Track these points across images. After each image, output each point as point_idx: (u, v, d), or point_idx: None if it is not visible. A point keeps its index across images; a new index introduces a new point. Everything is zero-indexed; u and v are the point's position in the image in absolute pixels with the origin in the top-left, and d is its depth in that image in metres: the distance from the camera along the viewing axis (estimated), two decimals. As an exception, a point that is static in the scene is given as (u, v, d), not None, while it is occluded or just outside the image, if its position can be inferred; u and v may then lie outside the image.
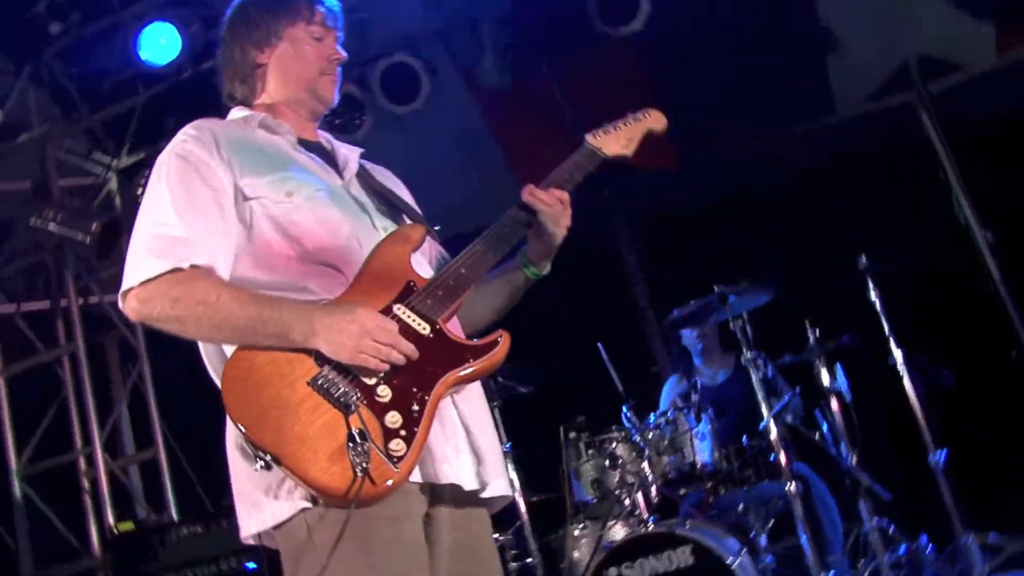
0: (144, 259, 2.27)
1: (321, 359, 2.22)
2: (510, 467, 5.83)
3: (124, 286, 2.29)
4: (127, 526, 5.44)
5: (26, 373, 6.46)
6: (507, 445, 5.95)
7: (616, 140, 2.78)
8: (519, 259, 2.66)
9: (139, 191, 6.51)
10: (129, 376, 6.74)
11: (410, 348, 2.24)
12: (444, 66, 6.43)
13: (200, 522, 5.31)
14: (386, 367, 2.22)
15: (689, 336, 6.34)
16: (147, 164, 6.68)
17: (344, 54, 2.66)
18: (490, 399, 5.85)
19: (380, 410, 2.19)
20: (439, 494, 2.35)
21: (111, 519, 5.97)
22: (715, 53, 6.74)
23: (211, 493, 6.14)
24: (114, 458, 6.49)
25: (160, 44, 6.02)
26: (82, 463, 6.27)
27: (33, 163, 6.50)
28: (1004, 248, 6.94)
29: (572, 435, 5.60)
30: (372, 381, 2.22)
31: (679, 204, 7.67)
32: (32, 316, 6.54)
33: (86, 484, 6.20)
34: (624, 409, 5.58)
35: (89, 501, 6.16)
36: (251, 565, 5.29)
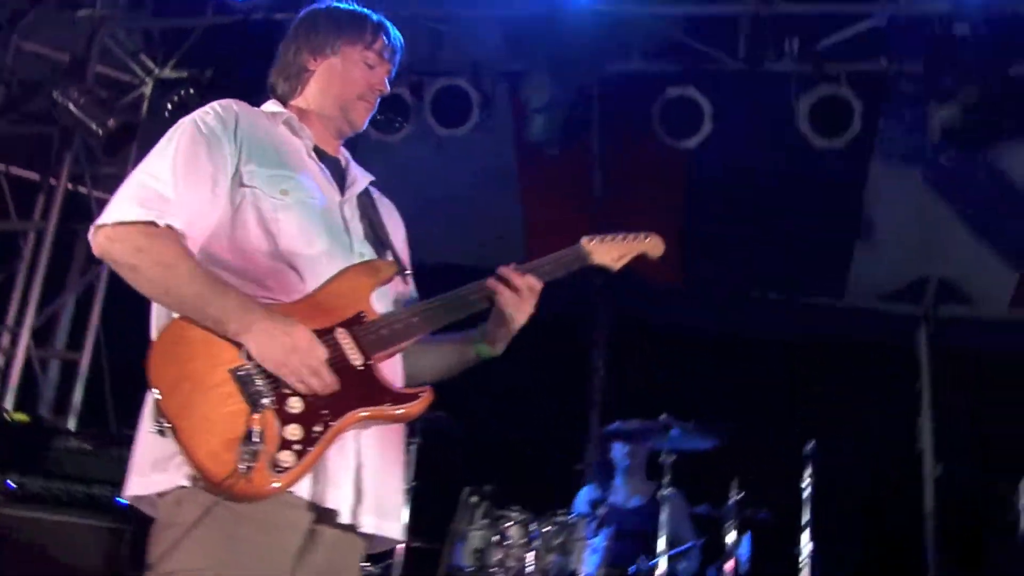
0: (127, 203, 2.33)
1: (250, 354, 2.26)
2: (403, 503, 5.76)
3: (99, 220, 2.33)
4: (21, 417, 5.30)
5: (-11, 232, 6.36)
6: (410, 484, 5.89)
7: (608, 251, 2.80)
8: (474, 334, 2.69)
9: (167, 108, 6.50)
10: (86, 275, 6.65)
11: (330, 381, 2.29)
12: (499, 105, 6.45)
13: (94, 441, 5.19)
14: (302, 389, 2.27)
15: (619, 450, 6.31)
16: (185, 84, 6.67)
17: (388, 88, 2.74)
18: (411, 434, 5.83)
19: (285, 419, 2.23)
20: (327, 515, 2.36)
21: (9, 404, 5.85)
22: (756, 196, 6.80)
23: (119, 418, 6.03)
24: (38, 346, 6.37)
25: (246, -20, 6.04)
26: (5, 340, 6.17)
27: (81, 40, 6.48)
28: (946, 484, 6.98)
29: (474, 499, 5.55)
30: (287, 390, 2.26)
31: (663, 322, 7.68)
32: (18, 181, 6.48)
33: (0, 361, 6.10)
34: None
35: (-5, 379, 6.06)
36: (122, 501, 5.18)
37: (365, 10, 2.75)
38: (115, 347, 6.48)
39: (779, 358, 7.35)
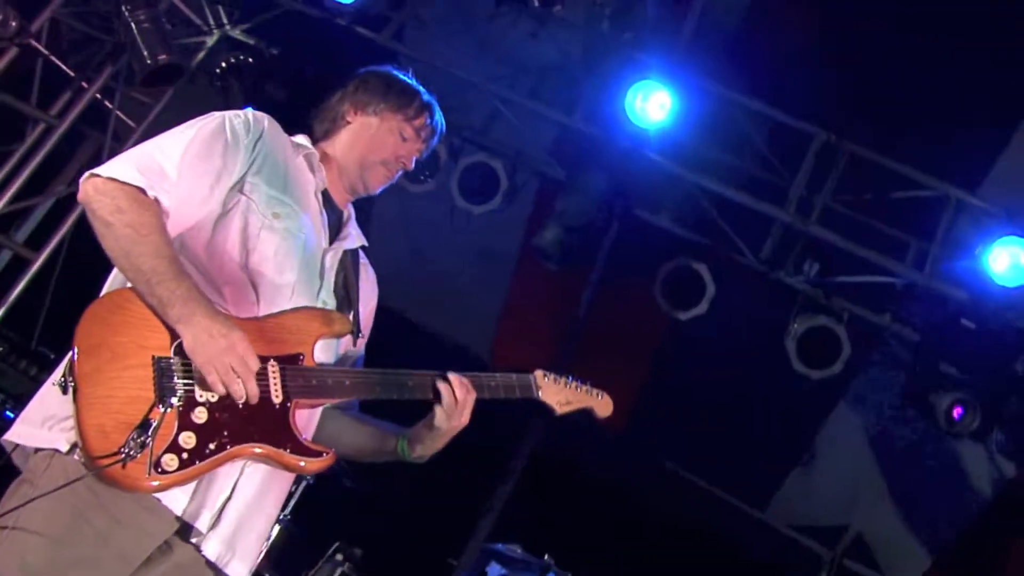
0: (128, 164, 2.36)
1: (179, 348, 2.24)
2: (271, 533, 5.66)
3: (96, 169, 2.35)
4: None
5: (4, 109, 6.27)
6: (287, 517, 5.79)
7: (557, 393, 2.80)
8: (401, 431, 2.66)
9: (219, 66, 6.51)
10: (71, 186, 6.56)
11: (253, 392, 2.27)
12: (522, 199, 6.49)
13: (11, 344, 5.10)
14: (222, 391, 2.24)
15: (495, 572, 6.21)
16: (246, 51, 6.69)
17: (411, 166, 2.80)
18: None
19: (185, 424, 2.20)
20: (187, 531, 2.33)
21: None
22: (722, 387, 6.84)
23: (43, 338, 5.89)
24: (2, 231, 6.23)
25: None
26: (-31, 212, 6.06)
27: (168, -30, 6.50)
28: None
29: (339, 557, 5.47)
30: (201, 399, 2.23)
31: (589, 465, 7.64)
32: (54, 70, 6.42)
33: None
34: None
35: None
36: (9, 415, 5.07)
37: (420, 87, 2.83)
38: (73, 269, 6.39)
39: (681, 543, 7.32)
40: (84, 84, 6.40)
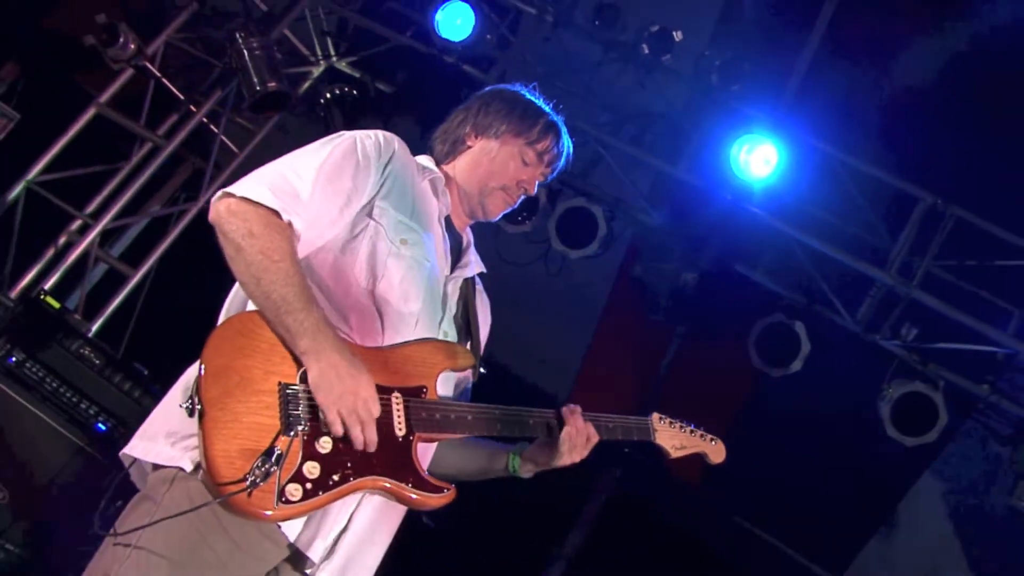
0: (262, 185, 2.33)
1: (307, 379, 2.23)
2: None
3: (230, 188, 2.32)
4: (53, 303, 5.28)
5: (111, 126, 6.40)
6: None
7: (673, 437, 2.81)
8: (514, 448, 2.66)
9: (323, 96, 6.59)
10: (173, 205, 6.69)
11: (372, 439, 2.24)
12: (618, 245, 6.47)
13: (103, 358, 5.14)
14: (340, 432, 2.21)
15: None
16: (353, 83, 6.78)
17: (534, 191, 2.74)
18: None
19: (309, 454, 2.19)
20: (297, 559, 2.32)
21: (48, 284, 5.83)
22: (806, 447, 6.72)
23: (129, 351, 5.97)
24: (101, 245, 6.36)
25: (456, 23, 6.16)
26: (75, 224, 6.17)
27: (283, 2, 6.62)
28: None
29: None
30: (324, 429, 2.21)
31: (662, 514, 7.54)
32: (163, 92, 6.56)
33: (62, 240, 6.10)
34: None
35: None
36: (102, 427, 5.11)
37: (545, 107, 2.77)
38: (161, 287, 6.48)
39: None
40: (192, 108, 6.52)
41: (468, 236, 2.80)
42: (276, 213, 2.29)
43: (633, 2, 5.97)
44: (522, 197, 2.74)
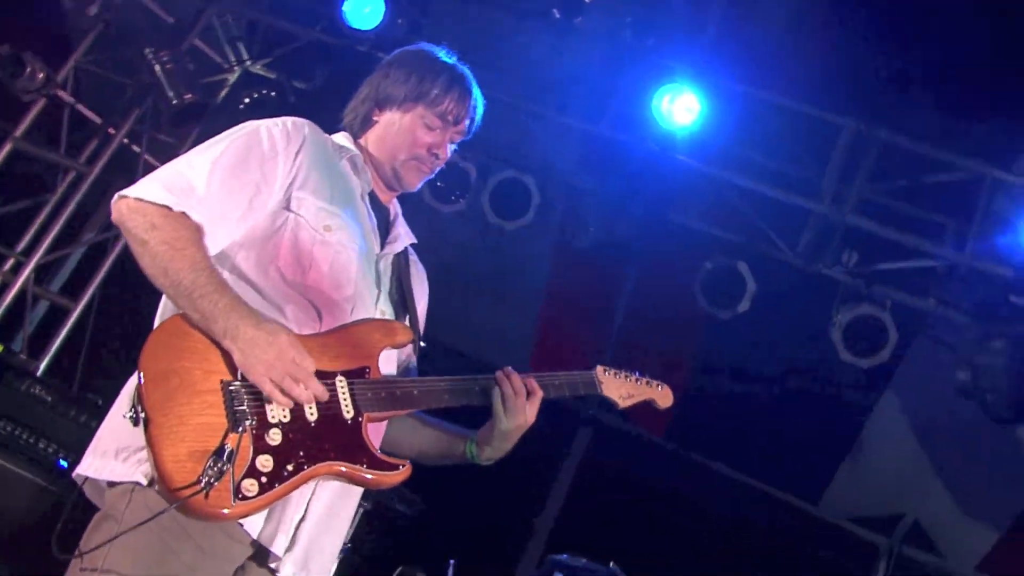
0: (155, 183, 2.33)
1: (235, 362, 2.21)
2: (333, 564, 5.66)
3: (124, 191, 2.33)
4: (-3, 347, 5.23)
5: (30, 159, 6.30)
6: (347, 545, 5.78)
7: (619, 387, 2.81)
8: (470, 433, 2.65)
9: (243, 102, 6.53)
10: (107, 231, 6.60)
11: (319, 390, 2.24)
12: (554, 213, 6.49)
13: (55, 395, 5.10)
14: (288, 402, 2.21)
15: (551, 591, 6.19)
16: (269, 86, 6.72)
17: (447, 154, 2.68)
18: (364, 497, 5.74)
19: (261, 448, 2.18)
20: (261, 553, 2.32)
21: (-12, 329, 5.76)
22: (765, 384, 6.82)
23: (85, 381, 5.92)
24: (37, 283, 6.29)
25: (364, 11, 6.11)
26: (7, 264, 6.09)
27: (191, 10, 6.53)
28: None
29: (403, 579, 5.46)
30: (272, 420, 2.20)
31: (635, 470, 7.63)
32: (80, 119, 6.46)
33: (-2, 281, 6.03)
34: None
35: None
36: (63, 464, 5.07)
37: (446, 63, 2.71)
38: (107, 313, 6.41)
39: (735, 542, 7.28)
40: (111, 130, 6.43)
41: (395, 208, 2.76)
42: (169, 208, 2.28)
43: (539, -32, 5.96)
44: (437, 163, 2.68)
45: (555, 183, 6.33)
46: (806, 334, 6.25)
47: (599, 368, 2.80)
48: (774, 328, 6.38)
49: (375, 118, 2.68)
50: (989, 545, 7.06)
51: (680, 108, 5.84)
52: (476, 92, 2.72)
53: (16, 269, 6.01)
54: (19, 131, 6.08)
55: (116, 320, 6.47)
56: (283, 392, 2.20)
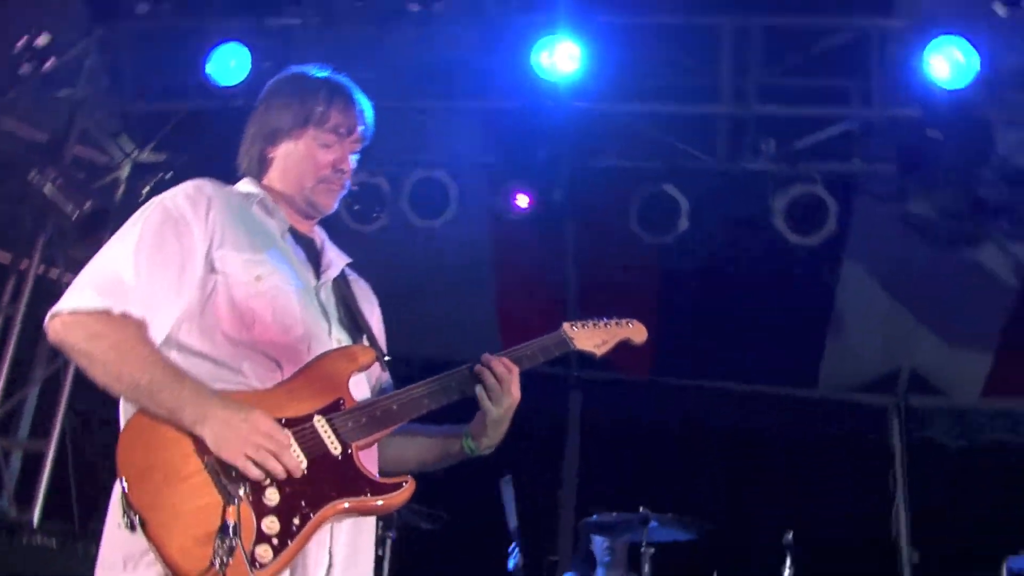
0: (84, 289, 2.27)
1: (207, 446, 2.17)
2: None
3: (55, 308, 2.27)
4: (-17, 511, 5.13)
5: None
6: (386, 579, 5.79)
7: (591, 337, 2.78)
8: (464, 427, 2.62)
9: (142, 193, 6.44)
10: (54, 362, 6.50)
11: (294, 464, 2.21)
12: (476, 196, 6.48)
13: (59, 537, 5.03)
14: (259, 475, 2.17)
15: (600, 544, 6.25)
16: (163, 169, 6.63)
17: (351, 166, 2.64)
18: (386, 527, 5.73)
19: (261, 511, 2.15)
20: None
21: (-33, 496, 5.65)
22: (730, 291, 6.88)
23: (84, 512, 5.84)
24: (2, 437, 6.18)
25: (229, 66, 6.04)
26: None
27: (61, 120, 6.42)
28: (924, 571, 7.01)
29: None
30: (266, 482, 2.18)
31: (637, 413, 7.69)
32: (-12, 263, 6.35)
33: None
34: (511, 548, 5.49)
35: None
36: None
37: (320, 79, 2.65)
38: (81, 438, 6.33)
39: (754, 449, 7.37)
40: (23, 264, 6.32)
41: (319, 236, 2.71)
42: (107, 311, 2.23)
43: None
44: (346, 179, 2.64)
45: (467, 169, 6.32)
46: (751, 231, 6.31)
47: (565, 325, 2.76)
48: (720, 235, 6.44)
49: (270, 155, 2.63)
50: (986, 369, 7.22)
51: (562, 58, 5.84)
52: (359, 97, 2.68)
53: (-24, 428, 5.92)
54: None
55: (95, 438, 6.39)
56: (257, 466, 2.17)
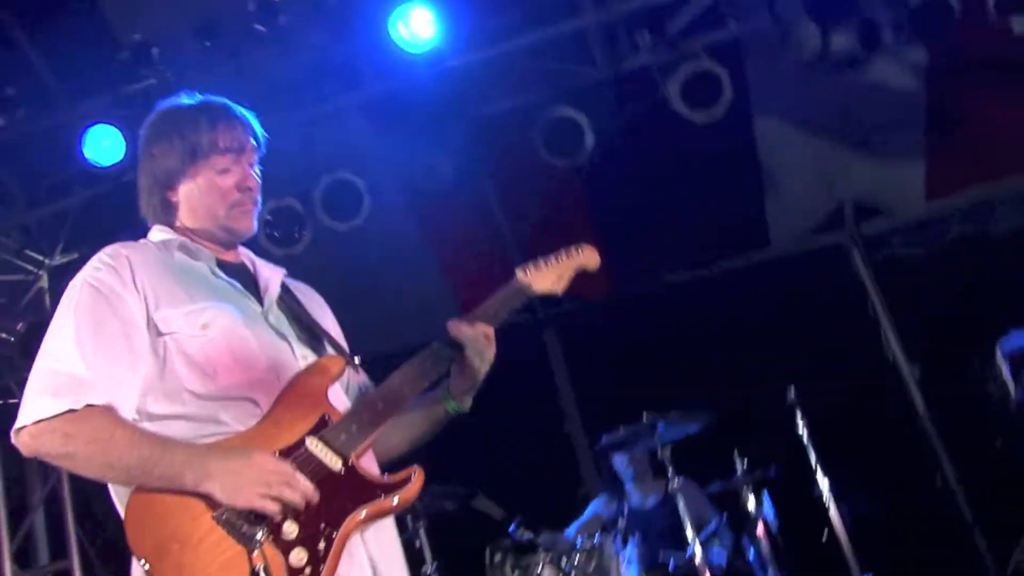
0: (39, 398, 2.23)
1: (217, 501, 2.18)
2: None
3: (17, 423, 2.23)
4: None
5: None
6: (433, 565, 5.85)
7: (546, 276, 2.80)
8: (440, 393, 2.64)
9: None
10: (47, 482, 6.46)
11: (309, 490, 2.23)
12: (387, 184, 6.48)
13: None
14: (279, 511, 2.19)
15: (620, 461, 6.36)
16: (78, 264, 6.55)
17: (256, 179, 2.60)
18: (415, 518, 5.79)
19: (285, 547, 2.17)
20: None
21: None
22: (658, 188, 6.94)
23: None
24: (23, 568, 6.17)
25: (104, 146, 5.99)
26: (-11, 569, 5.98)
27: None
28: (928, 382, 7.17)
29: (497, 556, 5.53)
30: (278, 517, 2.19)
31: (613, 330, 7.77)
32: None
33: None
34: (513, 525, 5.57)
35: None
36: None
37: (194, 105, 2.59)
38: (97, 540, 6.32)
39: (730, 325, 7.45)
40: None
41: (247, 257, 2.69)
42: (70, 411, 2.20)
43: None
44: (255, 196, 2.60)
45: (368, 161, 6.31)
46: (658, 124, 6.34)
47: (518, 273, 2.78)
48: (629, 139, 6.47)
49: (173, 199, 2.57)
50: (922, 174, 7.34)
51: (419, 25, 5.83)
52: (238, 109, 2.62)
53: (-2, 574, 5.91)
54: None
55: (116, 536, 6.36)
56: (275, 500, 2.19)
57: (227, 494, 2.17)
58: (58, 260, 6.69)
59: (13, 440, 2.25)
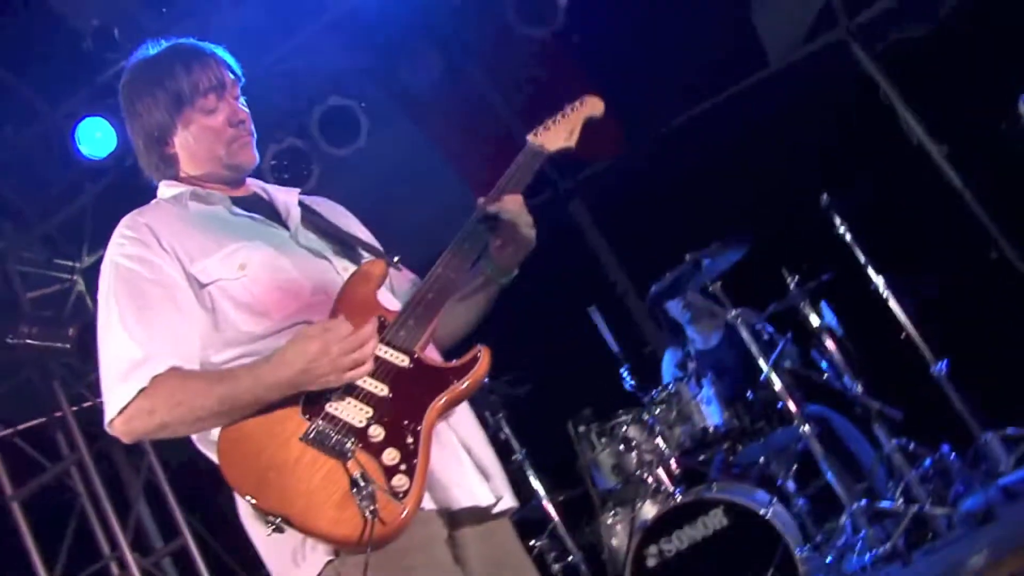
0: (113, 389, 2.28)
1: (308, 410, 2.22)
2: (530, 473, 5.92)
3: (106, 419, 2.30)
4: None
5: (40, 492, 6.33)
6: (522, 452, 5.99)
7: (557, 134, 2.77)
8: (487, 270, 2.63)
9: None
10: (140, 471, 6.67)
11: (370, 329, 2.25)
12: (379, 100, 6.46)
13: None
14: (369, 367, 2.24)
15: (675, 307, 6.39)
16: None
17: (245, 111, 2.58)
18: (493, 412, 5.92)
19: (376, 450, 2.20)
20: (457, 516, 2.36)
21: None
22: (640, 31, 6.83)
23: (250, 570, 6.08)
24: (144, 556, 6.40)
25: (97, 138, 6.01)
26: (114, 569, 6.21)
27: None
28: (959, 157, 7.08)
29: (581, 428, 5.66)
30: (362, 424, 2.22)
31: (635, 183, 7.74)
32: (31, 434, 6.47)
33: (119, 583, 6.14)
34: (623, 372, 5.65)
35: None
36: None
37: (164, 54, 2.57)
38: (204, 514, 6.55)
39: (752, 150, 7.36)
40: (57, 414, 6.44)
41: (258, 188, 2.67)
42: (143, 388, 2.25)
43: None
44: (249, 127, 2.57)
45: (353, 80, 6.29)
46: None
47: (529, 137, 2.76)
48: None
49: (170, 151, 2.56)
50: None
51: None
52: (207, 46, 2.59)
53: (121, 564, 6.13)
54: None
55: (220, 507, 6.57)
56: (350, 366, 2.21)
57: (301, 381, 2.20)
58: (87, 261, 6.79)
59: (111, 432, 2.31)
